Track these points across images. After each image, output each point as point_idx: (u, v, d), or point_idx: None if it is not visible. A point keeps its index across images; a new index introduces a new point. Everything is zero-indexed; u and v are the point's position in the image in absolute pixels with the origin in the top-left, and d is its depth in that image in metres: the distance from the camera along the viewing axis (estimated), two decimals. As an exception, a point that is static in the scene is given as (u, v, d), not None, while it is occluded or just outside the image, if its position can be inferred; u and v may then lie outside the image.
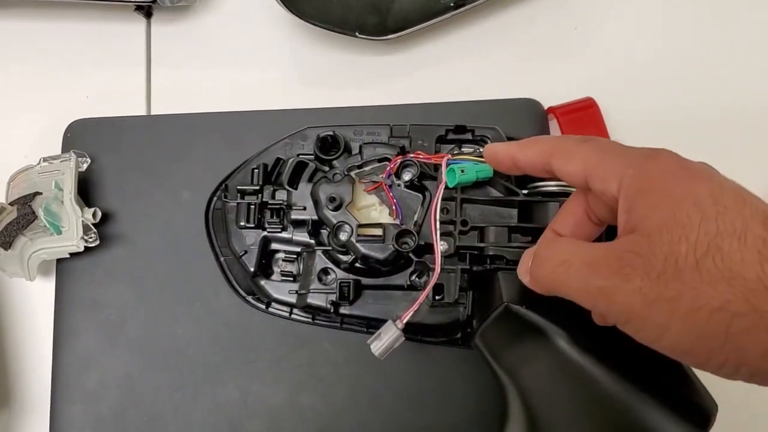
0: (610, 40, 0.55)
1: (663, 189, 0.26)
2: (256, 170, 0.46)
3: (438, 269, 0.39)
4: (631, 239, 0.27)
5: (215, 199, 0.48)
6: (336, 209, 0.43)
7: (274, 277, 0.46)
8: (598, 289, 0.27)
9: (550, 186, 0.41)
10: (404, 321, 0.39)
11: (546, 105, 0.51)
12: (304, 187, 0.44)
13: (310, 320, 0.46)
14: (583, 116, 0.51)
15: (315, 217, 0.43)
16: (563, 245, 0.31)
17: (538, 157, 0.33)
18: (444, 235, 0.41)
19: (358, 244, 0.42)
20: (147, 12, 0.55)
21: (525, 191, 0.42)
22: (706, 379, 0.30)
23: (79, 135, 0.51)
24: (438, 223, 0.39)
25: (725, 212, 0.24)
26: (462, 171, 0.39)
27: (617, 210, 0.29)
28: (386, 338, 0.39)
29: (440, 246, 0.39)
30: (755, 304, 0.23)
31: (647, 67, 0.54)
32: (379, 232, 0.42)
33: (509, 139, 0.46)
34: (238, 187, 0.45)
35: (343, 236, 0.42)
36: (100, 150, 0.51)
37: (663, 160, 0.28)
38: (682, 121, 0.52)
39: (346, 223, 0.42)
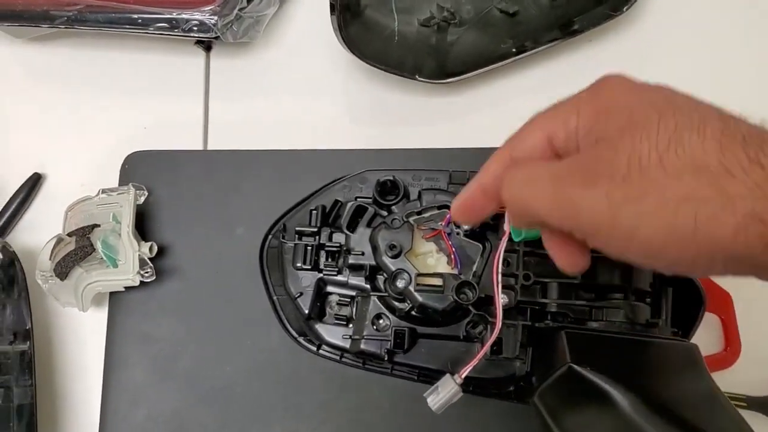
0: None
1: (618, 102, 0.27)
2: (314, 211, 0.46)
3: (499, 324, 0.38)
4: (594, 148, 0.27)
5: (270, 236, 0.48)
6: (395, 257, 0.42)
7: (326, 319, 0.46)
8: (565, 200, 0.26)
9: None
10: (463, 376, 0.38)
11: (605, 153, 0.51)
12: (363, 232, 0.44)
13: (360, 365, 0.46)
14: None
15: (373, 263, 0.43)
16: (529, 163, 0.30)
17: (500, 163, 0.32)
18: (505, 287, 0.40)
19: (416, 293, 0.41)
20: (207, 45, 0.56)
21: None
22: None
23: (136, 167, 0.52)
24: (500, 276, 0.38)
25: (682, 109, 0.25)
26: (528, 227, 0.38)
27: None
28: (444, 393, 0.38)
29: (501, 299, 0.39)
30: (720, 188, 0.23)
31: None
32: (438, 282, 0.41)
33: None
34: (297, 228, 0.45)
35: (400, 284, 0.42)
36: (156, 182, 0.51)
37: (612, 80, 0.28)
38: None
39: (405, 271, 0.42)
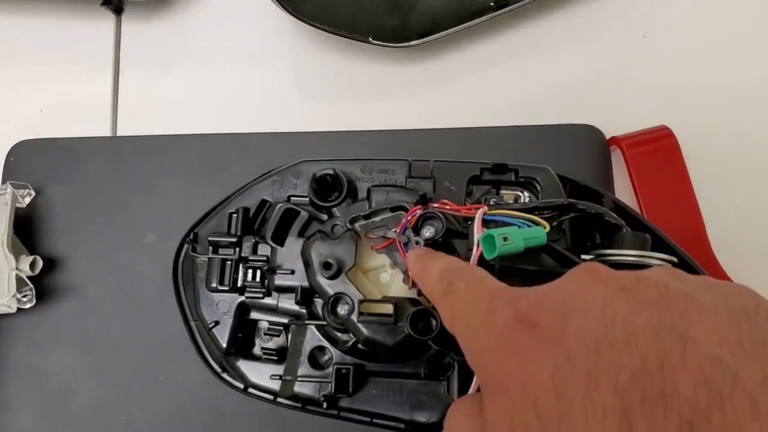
0: (686, 52, 0.44)
1: (501, 375, 0.22)
2: (234, 215, 0.36)
3: None
4: None
5: (186, 246, 0.39)
6: (333, 277, 0.32)
7: (255, 350, 0.36)
8: None
9: (626, 256, 0.30)
10: None
11: (608, 134, 0.42)
12: (294, 243, 0.35)
13: (299, 407, 0.37)
14: (656, 150, 0.41)
15: (305, 284, 0.34)
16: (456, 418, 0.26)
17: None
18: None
19: (360, 325, 0.32)
20: (116, 7, 0.46)
21: (588, 257, 0.32)
22: None
23: (25, 159, 0.44)
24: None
25: (568, 414, 0.20)
26: (505, 239, 0.28)
27: None
28: None
29: None
30: None
31: (734, 87, 0.43)
32: (389, 309, 0.32)
33: (563, 180, 0.36)
34: (210, 238, 0.36)
35: (341, 311, 0.32)
36: (49, 178, 0.43)
37: (499, 320, 0.23)
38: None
39: (346, 296, 0.32)
